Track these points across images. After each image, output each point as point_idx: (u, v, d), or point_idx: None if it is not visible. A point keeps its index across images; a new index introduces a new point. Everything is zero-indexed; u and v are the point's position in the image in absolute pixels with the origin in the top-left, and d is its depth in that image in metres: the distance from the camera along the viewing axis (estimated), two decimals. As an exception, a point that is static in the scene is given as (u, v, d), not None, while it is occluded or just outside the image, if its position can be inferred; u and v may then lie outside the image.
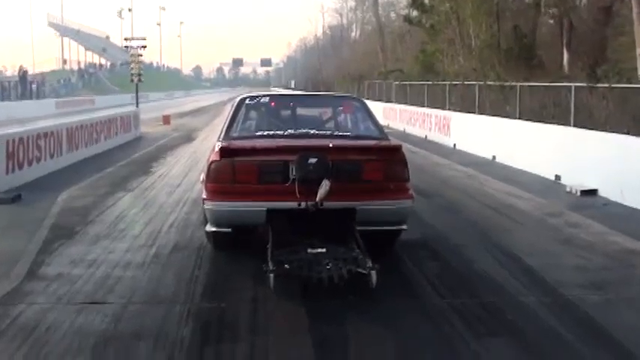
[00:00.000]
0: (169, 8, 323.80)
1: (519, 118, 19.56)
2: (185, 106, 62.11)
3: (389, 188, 7.73)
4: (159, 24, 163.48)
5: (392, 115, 34.36)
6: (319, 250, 7.03)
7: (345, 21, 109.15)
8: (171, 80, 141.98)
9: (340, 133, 8.99)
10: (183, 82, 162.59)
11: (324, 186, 7.19)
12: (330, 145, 7.73)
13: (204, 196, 7.81)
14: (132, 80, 32.64)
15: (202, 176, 8.22)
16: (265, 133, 8.53)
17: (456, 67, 31.54)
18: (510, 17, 33.06)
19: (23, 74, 61.30)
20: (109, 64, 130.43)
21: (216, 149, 7.87)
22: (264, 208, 7.45)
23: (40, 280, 7.48)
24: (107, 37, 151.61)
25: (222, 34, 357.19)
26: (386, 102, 38.94)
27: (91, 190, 13.83)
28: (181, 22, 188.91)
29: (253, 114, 9.37)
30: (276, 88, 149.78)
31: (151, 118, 35.76)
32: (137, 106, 31.50)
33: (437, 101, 29.58)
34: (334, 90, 67.74)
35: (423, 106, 30.16)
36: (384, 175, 7.75)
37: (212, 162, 7.77)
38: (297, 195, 7.29)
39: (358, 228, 7.57)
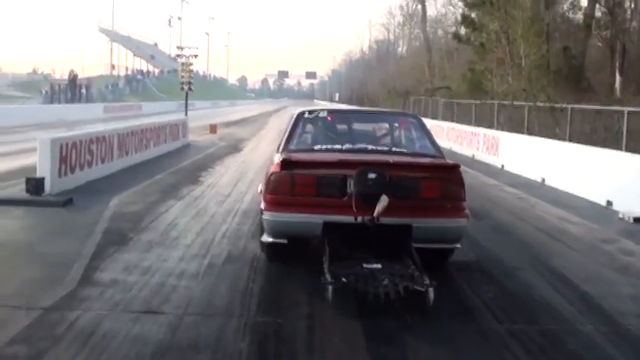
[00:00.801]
0: (218, 18, 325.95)
1: (569, 141, 19.31)
2: (230, 116, 62.32)
3: (445, 206, 7.70)
4: (207, 33, 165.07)
5: (439, 133, 33.96)
6: (375, 265, 7.03)
7: (391, 36, 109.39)
8: (216, 89, 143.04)
9: (398, 150, 8.99)
10: (228, 91, 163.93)
11: (383, 201, 7.18)
12: (391, 161, 7.79)
13: (263, 207, 7.87)
14: (182, 88, 32.87)
15: (260, 187, 8.36)
16: (323, 147, 8.63)
17: (504, 87, 31.27)
18: (560, 38, 32.89)
19: (73, 78, 62.16)
20: (156, 70, 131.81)
21: (277, 161, 7.89)
22: (321, 221, 7.49)
23: (94, 285, 7.47)
24: (155, 45, 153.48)
25: (268, 45, 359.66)
26: (432, 119, 38.67)
27: (142, 196, 13.87)
28: (229, 32, 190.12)
29: (311, 128, 9.43)
30: (319, 101, 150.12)
31: (198, 126, 35.91)
32: (186, 115, 31.66)
33: (484, 120, 29.41)
34: (379, 104, 67.73)
35: (471, 125, 29.93)
36: (441, 193, 7.72)
37: (272, 173, 7.82)
38: (354, 209, 7.32)
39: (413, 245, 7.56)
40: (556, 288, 8.18)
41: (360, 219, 7.36)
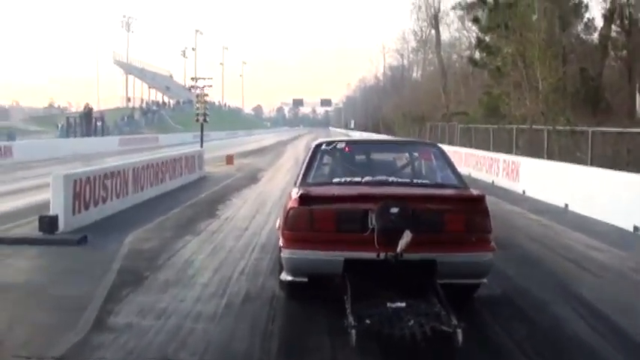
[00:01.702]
0: (232, 48, 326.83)
1: (591, 165, 18.96)
2: (247, 146, 62.28)
3: (471, 240, 7.34)
4: (222, 63, 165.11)
5: (457, 159, 33.52)
6: (399, 304, 6.62)
7: (406, 62, 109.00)
8: (232, 119, 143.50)
9: (419, 182, 8.61)
10: (244, 121, 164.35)
11: (406, 237, 6.84)
12: (413, 194, 7.56)
13: (281, 244, 7.56)
14: (197, 120, 32.73)
15: (278, 222, 8.13)
16: (342, 180, 8.28)
17: (522, 111, 30.99)
18: (577, 60, 32.61)
19: (88, 111, 62.38)
20: (171, 102, 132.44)
21: (295, 196, 7.56)
22: (342, 258, 7.13)
23: (108, 331, 7.20)
24: (170, 76, 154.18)
25: (283, 74, 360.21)
26: (449, 145, 38.36)
27: (158, 232, 13.63)
28: (244, 62, 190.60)
29: (329, 159, 9.15)
30: (335, 129, 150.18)
31: (214, 157, 35.75)
32: (201, 146, 31.49)
33: (503, 145, 29.10)
34: (394, 130, 67.59)
35: (489, 151, 29.60)
36: (467, 226, 7.36)
37: (290, 209, 7.48)
38: (377, 245, 7.00)
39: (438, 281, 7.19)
40: (589, 322, 7.84)
41: (382, 255, 7.02)
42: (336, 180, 8.31)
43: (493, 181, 26.11)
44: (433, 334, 6.22)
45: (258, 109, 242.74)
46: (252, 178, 27.21)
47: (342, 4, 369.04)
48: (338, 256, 7.15)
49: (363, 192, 7.64)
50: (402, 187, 8.07)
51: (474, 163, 29.87)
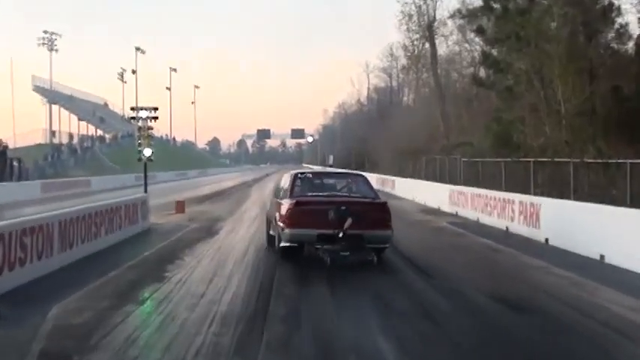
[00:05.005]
0: (181, 69, 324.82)
1: (631, 205, 18.88)
2: (202, 189, 62.12)
3: (380, 224, 17.30)
4: (169, 88, 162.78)
5: (461, 201, 33.67)
6: (346, 253, 16.80)
7: (394, 83, 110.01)
8: (183, 156, 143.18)
9: (353, 195, 19.10)
10: (197, 158, 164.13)
11: (348, 222, 16.65)
12: (351, 201, 17.98)
13: (282, 226, 17.56)
14: (139, 159, 32.29)
15: (277, 215, 18.37)
16: (313, 193, 18.78)
17: (541, 140, 30.95)
18: (608, 76, 32.40)
19: (3, 150, 61.75)
20: (107, 136, 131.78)
21: (291, 201, 17.75)
22: (316, 233, 16.92)
23: None
24: (105, 104, 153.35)
25: (244, 99, 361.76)
26: (451, 184, 38.26)
27: (92, 301, 13.40)
28: (196, 87, 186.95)
29: (302, 182, 19.68)
30: (310, 165, 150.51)
31: (162, 204, 35.52)
32: (145, 191, 31.20)
33: (518, 183, 29.02)
34: (383, 168, 67.71)
35: (501, 190, 29.49)
36: (377, 217, 17.40)
37: (289, 208, 17.48)
38: (333, 226, 16.73)
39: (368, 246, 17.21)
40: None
41: (336, 231, 16.78)
42: (309, 194, 18.77)
43: (507, 228, 26.01)
44: (362, 262, 16.63)
45: (214, 144, 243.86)
46: (209, 230, 26.92)
47: (316, 14, 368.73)
48: (313, 232, 16.95)
49: (325, 200, 17.94)
50: (345, 197, 18.68)
51: (483, 206, 29.75)
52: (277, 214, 18.51)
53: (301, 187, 19.40)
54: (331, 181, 20.95)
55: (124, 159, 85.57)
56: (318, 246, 17.17)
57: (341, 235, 16.73)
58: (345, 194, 19.28)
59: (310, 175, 21.11)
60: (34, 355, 9.62)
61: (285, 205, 17.97)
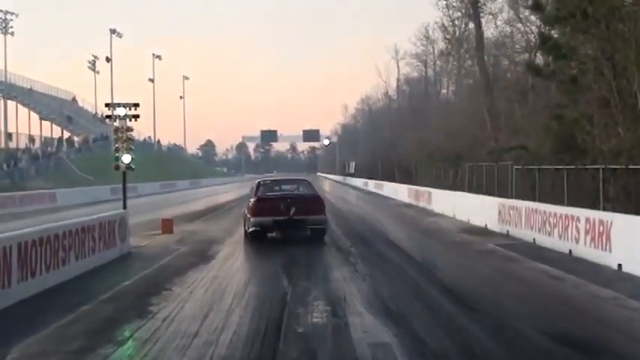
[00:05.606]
0: (167, 56, 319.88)
1: None
2: (193, 204, 62.47)
3: (316, 211, 31.88)
4: (152, 80, 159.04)
5: (514, 218, 33.42)
6: (295, 231, 32.31)
7: (430, 72, 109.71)
8: (170, 164, 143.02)
9: (299, 193, 34.03)
10: (187, 165, 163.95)
11: (293, 210, 30.81)
12: (297, 196, 33.10)
13: (249, 215, 31.68)
14: (116, 168, 32.28)
15: (244, 210, 35.01)
16: (271, 193, 33.60)
17: (613, 143, 30.85)
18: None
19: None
20: (76, 139, 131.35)
21: (255, 198, 32.17)
22: (272, 219, 30.91)
23: None
24: (74, 100, 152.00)
25: (245, 94, 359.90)
26: (500, 197, 38.13)
27: (59, 342, 13.52)
28: (186, 77, 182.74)
29: (264, 186, 34.85)
30: (326, 175, 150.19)
31: (144, 222, 35.83)
32: (124, 207, 31.29)
33: (584, 196, 28.94)
34: (417, 177, 67.68)
35: (563, 204, 29.44)
36: (314, 207, 32.08)
37: (253, 203, 31.79)
38: (284, 214, 30.80)
39: (308, 227, 32.19)
40: None
41: (286, 217, 30.71)
42: (268, 193, 33.62)
43: (571, 251, 25.91)
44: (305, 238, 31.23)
45: (208, 148, 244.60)
46: (202, 255, 27.07)
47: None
48: (270, 218, 30.94)
49: (279, 195, 32.97)
50: (294, 194, 33.68)
51: (541, 224, 29.57)
52: (246, 209, 33.23)
53: (262, 189, 33.87)
54: (285, 185, 36.31)
55: (98, 167, 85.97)
56: (275, 230, 31.56)
57: (289, 219, 30.51)
58: (294, 192, 33.93)
59: (269, 182, 37.31)
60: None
61: (251, 201, 32.25)
